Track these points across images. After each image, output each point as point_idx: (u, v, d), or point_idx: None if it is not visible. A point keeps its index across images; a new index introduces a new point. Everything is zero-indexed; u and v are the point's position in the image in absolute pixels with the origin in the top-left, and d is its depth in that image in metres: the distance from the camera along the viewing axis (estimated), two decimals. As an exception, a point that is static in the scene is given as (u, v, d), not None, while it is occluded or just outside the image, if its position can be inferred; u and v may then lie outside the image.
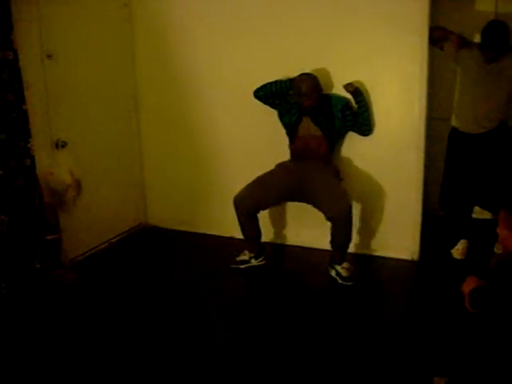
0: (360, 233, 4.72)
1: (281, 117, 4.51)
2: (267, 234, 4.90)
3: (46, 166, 4.22)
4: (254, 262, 4.55)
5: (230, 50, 4.78)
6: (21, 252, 4.00)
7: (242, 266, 4.54)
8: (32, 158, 4.04)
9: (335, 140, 4.47)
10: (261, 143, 4.73)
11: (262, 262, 4.57)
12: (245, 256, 4.56)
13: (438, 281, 4.21)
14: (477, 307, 2.58)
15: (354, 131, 4.45)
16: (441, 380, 2.87)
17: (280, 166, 4.50)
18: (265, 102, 4.52)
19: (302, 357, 3.32)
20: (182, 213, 5.43)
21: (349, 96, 4.39)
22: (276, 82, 4.43)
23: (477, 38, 4.16)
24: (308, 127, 4.38)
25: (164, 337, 3.57)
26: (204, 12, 4.83)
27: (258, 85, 4.50)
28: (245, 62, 4.72)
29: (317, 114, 4.35)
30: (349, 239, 4.27)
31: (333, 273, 4.32)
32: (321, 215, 4.30)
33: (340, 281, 4.25)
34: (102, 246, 5.01)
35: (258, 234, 4.54)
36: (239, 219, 4.43)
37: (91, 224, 4.78)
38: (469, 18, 4.83)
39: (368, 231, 4.69)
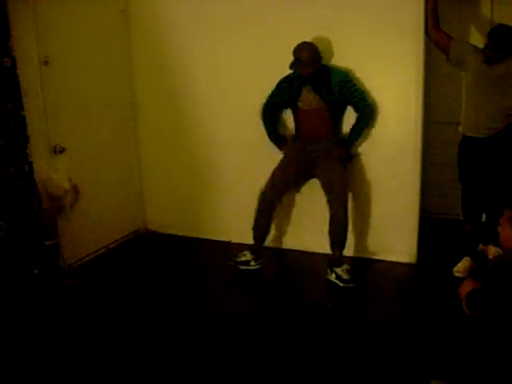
0: (358, 236, 4.72)
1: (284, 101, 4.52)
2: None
3: (44, 171, 4.23)
4: (253, 264, 4.55)
5: (228, 56, 4.79)
6: (19, 257, 4.01)
7: (242, 267, 4.55)
8: (30, 164, 4.06)
9: (337, 111, 4.44)
10: (258, 148, 4.73)
11: (259, 266, 4.58)
12: (245, 257, 4.56)
13: (435, 284, 4.21)
14: (474, 309, 2.59)
15: (354, 108, 4.42)
16: (438, 383, 2.87)
17: (287, 153, 4.55)
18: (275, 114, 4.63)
19: (301, 359, 3.32)
20: (180, 218, 5.44)
21: (348, 68, 4.41)
22: (269, 97, 4.52)
23: (480, 43, 4.17)
24: (309, 98, 4.37)
25: (162, 341, 3.57)
26: (201, 18, 4.85)
27: (255, 91, 4.58)
28: (242, 68, 4.74)
29: (316, 83, 4.33)
30: (343, 241, 4.32)
31: (332, 276, 4.31)
32: (320, 221, 4.42)
33: (341, 284, 4.24)
34: (101, 252, 5.01)
35: (266, 233, 4.57)
36: (259, 207, 4.48)
37: (90, 229, 4.78)
38: (467, 22, 4.85)
39: (366, 234, 4.70)
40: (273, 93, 4.52)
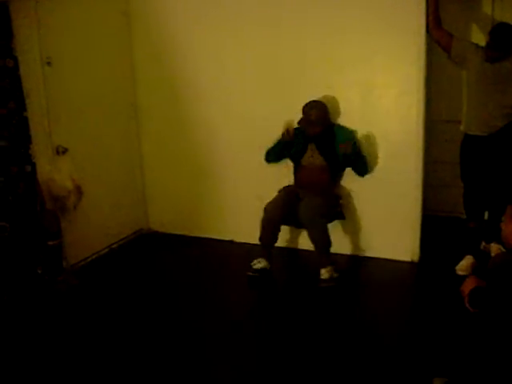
0: (360, 235, 4.73)
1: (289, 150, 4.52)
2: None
3: (46, 172, 4.24)
4: (269, 268, 4.46)
5: (230, 56, 4.80)
6: (22, 258, 4.02)
7: (260, 274, 4.41)
8: (33, 165, 4.07)
9: (337, 170, 4.51)
10: (260, 148, 4.73)
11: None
12: (260, 264, 4.43)
13: (438, 281, 4.22)
14: (477, 307, 2.60)
15: (353, 169, 4.46)
16: (441, 381, 2.87)
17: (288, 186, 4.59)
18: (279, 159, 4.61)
19: (302, 358, 3.33)
20: (182, 218, 5.45)
21: (353, 128, 4.44)
22: (276, 144, 4.49)
23: (481, 42, 4.17)
24: (312, 155, 4.42)
25: (165, 341, 3.58)
26: (202, 19, 4.86)
27: (257, 92, 4.67)
28: (244, 69, 4.74)
29: (321, 142, 4.38)
30: (328, 243, 4.28)
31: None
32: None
33: (324, 284, 4.26)
34: (104, 252, 5.02)
35: (274, 242, 4.49)
36: (264, 226, 4.40)
37: (92, 230, 4.79)
38: (469, 20, 4.85)
39: (368, 233, 4.71)
40: (279, 142, 4.48)
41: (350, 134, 4.39)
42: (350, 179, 4.61)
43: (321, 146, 4.39)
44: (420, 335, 3.50)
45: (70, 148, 4.46)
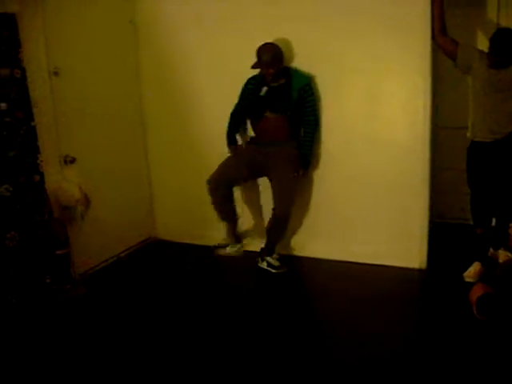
0: (367, 242, 4.72)
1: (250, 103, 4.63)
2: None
3: (54, 181, 4.26)
4: (229, 250, 4.81)
5: (234, 63, 4.80)
6: (31, 267, 4.03)
7: (221, 253, 4.86)
8: (41, 174, 4.09)
9: (295, 120, 4.54)
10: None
11: (240, 253, 4.82)
12: (225, 241, 4.88)
13: (446, 289, 4.21)
14: (485, 314, 2.59)
15: (304, 120, 4.55)
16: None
17: (239, 151, 4.76)
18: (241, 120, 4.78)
19: (312, 368, 3.32)
20: (189, 226, 5.46)
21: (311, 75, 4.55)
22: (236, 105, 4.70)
23: (487, 48, 4.17)
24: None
25: (172, 350, 3.57)
26: (207, 28, 4.90)
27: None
28: (249, 75, 4.74)
29: (279, 88, 4.47)
30: (281, 235, 4.65)
31: (264, 264, 4.69)
32: (330, 227, 4.59)
33: (273, 270, 4.63)
34: (111, 260, 5.03)
35: (233, 215, 4.77)
36: (212, 199, 4.70)
37: (100, 238, 4.80)
38: (474, 27, 4.86)
39: (375, 240, 4.70)
40: (242, 95, 4.65)
41: (304, 80, 4.47)
42: (355, 188, 4.62)
43: (278, 93, 4.47)
44: (428, 343, 3.48)
45: (77, 157, 4.48)
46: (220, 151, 4.95)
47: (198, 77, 5.00)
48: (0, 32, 3.73)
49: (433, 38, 4.17)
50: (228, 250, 4.81)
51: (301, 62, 4.58)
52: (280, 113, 4.47)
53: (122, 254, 5.16)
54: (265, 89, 4.47)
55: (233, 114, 4.74)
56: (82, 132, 4.61)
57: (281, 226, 4.58)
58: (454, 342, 3.41)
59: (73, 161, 4.46)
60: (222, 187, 4.63)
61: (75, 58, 4.52)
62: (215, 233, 5.25)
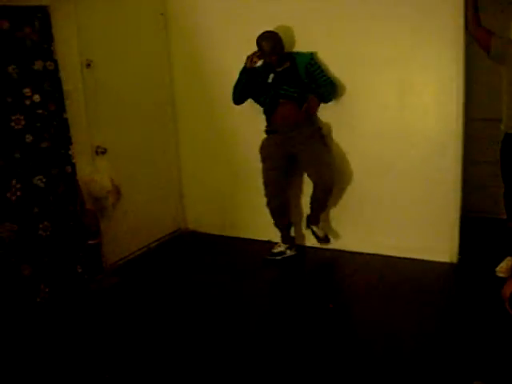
0: (398, 234, 4.68)
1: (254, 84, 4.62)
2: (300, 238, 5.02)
3: (86, 173, 4.31)
4: (288, 252, 4.81)
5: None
6: (63, 257, 4.10)
7: (279, 258, 4.79)
8: (73, 166, 4.14)
9: (305, 98, 4.48)
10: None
11: (294, 253, 4.82)
12: (280, 248, 4.82)
13: (477, 283, 4.16)
14: (517, 310, 2.55)
15: (319, 92, 4.50)
16: (481, 384, 2.84)
17: (267, 150, 4.69)
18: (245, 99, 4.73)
19: (338, 357, 3.32)
20: (219, 217, 5.49)
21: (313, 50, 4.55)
22: (239, 77, 4.63)
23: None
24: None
25: (202, 339, 3.60)
26: (238, 19, 4.89)
27: None
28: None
29: (285, 73, 4.49)
30: (326, 205, 4.70)
31: (309, 232, 4.82)
32: (360, 220, 4.61)
33: (318, 241, 4.77)
34: (142, 251, 5.08)
35: (289, 223, 4.80)
36: (271, 212, 4.75)
37: (131, 229, 4.85)
38: (508, 17, 4.76)
39: (406, 233, 4.65)
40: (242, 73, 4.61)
41: (307, 56, 4.48)
42: (387, 181, 4.59)
43: (286, 76, 4.49)
44: (459, 338, 3.45)
45: (108, 149, 4.53)
46: (251, 143, 4.95)
47: (228, 67, 4.98)
48: (33, 24, 3.78)
49: (466, 28, 4.10)
50: (288, 252, 4.83)
51: (331, 53, 4.57)
52: (289, 96, 4.47)
53: (152, 245, 5.20)
54: (271, 75, 4.51)
55: (235, 87, 4.70)
56: (113, 123, 4.65)
57: (326, 196, 4.60)
58: (485, 338, 3.37)
59: (104, 152, 4.50)
60: (276, 198, 4.69)
61: (107, 50, 4.56)
62: (245, 224, 5.28)
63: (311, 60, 4.46)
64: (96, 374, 3.25)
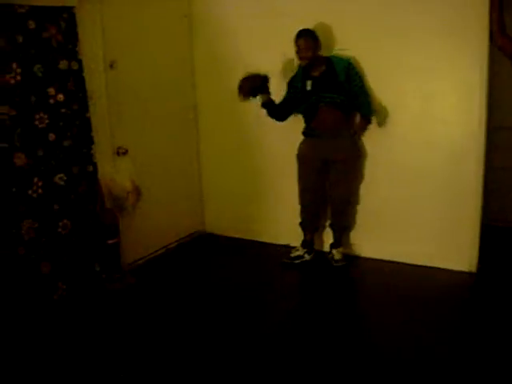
0: (416, 243, 4.64)
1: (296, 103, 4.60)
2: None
3: (107, 172, 4.34)
4: (307, 256, 4.82)
5: (289, 53, 4.78)
6: (82, 255, 4.14)
7: (297, 261, 4.79)
8: (94, 165, 4.19)
9: (348, 104, 4.46)
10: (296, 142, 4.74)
11: (312, 258, 4.82)
12: (299, 252, 4.83)
13: (496, 294, 4.11)
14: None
15: (356, 103, 4.47)
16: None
17: (302, 152, 4.67)
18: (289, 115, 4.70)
19: (348, 362, 3.30)
20: (238, 221, 5.49)
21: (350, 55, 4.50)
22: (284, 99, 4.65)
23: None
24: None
25: (216, 340, 3.61)
26: (261, 20, 4.90)
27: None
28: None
29: (322, 78, 4.44)
30: (345, 221, 4.78)
31: (330, 256, 4.78)
32: (379, 226, 4.65)
33: (333, 263, 4.71)
34: (160, 252, 5.11)
35: (317, 227, 4.88)
36: (302, 212, 4.78)
37: (150, 230, 4.87)
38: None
39: (425, 241, 4.61)
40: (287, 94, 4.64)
41: (346, 61, 4.42)
42: (406, 187, 4.56)
43: (324, 81, 4.43)
44: (476, 348, 3.41)
45: (130, 149, 4.55)
46: (272, 147, 4.97)
47: (252, 70, 4.99)
48: (59, 24, 3.83)
49: (491, 37, 4.06)
50: (306, 256, 4.83)
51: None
52: (332, 102, 4.42)
53: (171, 246, 5.23)
54: (309, 82, 4.45)
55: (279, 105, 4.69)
56: (135, 124, 4.68)
57: (343, 209, 4.69)
58: (502, 350, 3.33)
59: (125, 152, 4.52)
60: (311, 202, 4.73)
61: (131, 52, 4.60)
62: (264, 228, 5.28)
63: (350, 65, 4.40)
64: (109, 373, 3.27)
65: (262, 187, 5.27)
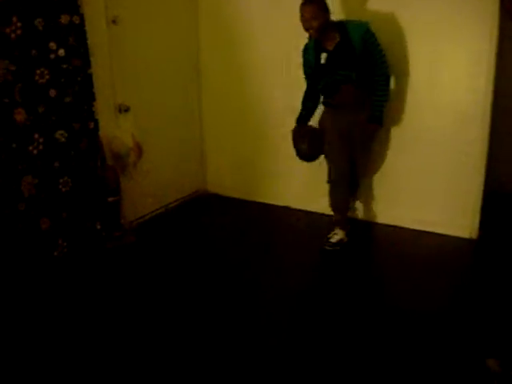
0: (419, 208, 4.64)
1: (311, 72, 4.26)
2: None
3: (108, 129, 4.30)
4: (346, 240, 4.45)
5: (290, 20, 4.67)
6: (82, 213, 4.12)
7: (338, 248, 4.38)
8: (96, 122, 4.14)
9: (365, 78, 4.12)
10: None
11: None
12: (338, 235, 4.41)
13: (496, 260, 4.11)
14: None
15: (371, 72, 4.14)
16: (494, 362, 2.82)
17: (325, 122, 4.36)
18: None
19: (351, 331, 3.32)
20: (239, 181, 5.48)
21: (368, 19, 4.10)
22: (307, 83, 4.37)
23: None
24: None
25: (217, 302, 3.63)
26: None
27: None
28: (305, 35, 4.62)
29: (338, 51, 4.05)
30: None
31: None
32: (383, 191, 4.60)
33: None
34: (160, 211, 5.11)
35: (348, 206, 4.52)
36: (332, 191, 4.38)
37: (151, 188, 4.86)
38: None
39: (426, 206, 4.61)
40: (304, 68, 4.29)
41: (363, 26, 3.98)
42: (411, 152, 4.52)
43: (340, 54, 4.03)
44: (475, 314, 3.42)
45: (132, 106, 4.51)
46: (275, 107, 4.91)
47: (255, 34, 4.93)
48: (60, -23, 3.74)
49: (501, 1, 3.97)
50: (346, 240, 4.44)
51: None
52: (351, 79, 4.07)
53: (171, 205, 5.22)
54: (324, 55, 4.07)
55: (306, 93, 4.41)
56: (138, 81, 4.62)
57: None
58: (501, 316, 3.34)
59: (127, 109, 4.48)
60: (341, 184, 4.34)
61: (134, 8, 4.51)
62: (265, 189, 5.27)
63: (368, 32, 3.97)
64: (104, 330, 3.30)
65: (264, 148, 5.23)
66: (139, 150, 4.46)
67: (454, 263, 4.15)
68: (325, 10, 3.96)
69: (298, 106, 4.48)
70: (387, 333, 3.28)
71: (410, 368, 2.93)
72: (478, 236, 4.46)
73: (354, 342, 3.18)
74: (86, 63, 4.00)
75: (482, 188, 4.39)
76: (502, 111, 4.73)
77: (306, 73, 4.32)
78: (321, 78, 4.19)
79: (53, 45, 3.75)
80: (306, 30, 4.00)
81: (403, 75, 4.45)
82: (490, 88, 4.18)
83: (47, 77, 3.74)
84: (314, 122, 4.47)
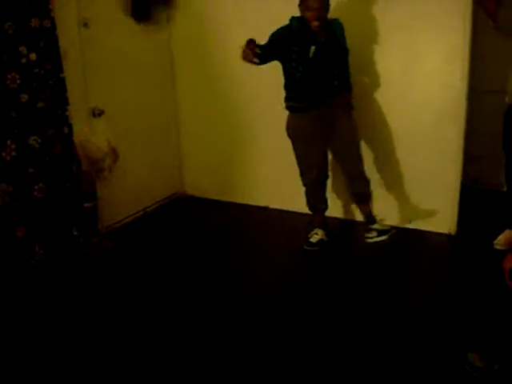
0: (396, 206, 4.66)
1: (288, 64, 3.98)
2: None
3: (83, 134, 4.24)
4: (325, 239, 4.43)
5: (267, 18, 4.66)
6: (58, 219, 4.06)
7: (317, 248, 4.35)
8: (70, 126, 4.08)
9: (344, 67, 4.09)
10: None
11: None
12: (318, 235, 4.38)
13: (474, 255, 4.15)
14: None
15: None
16: (475, 356, 2.83)
17: (300, 125, 4.16)
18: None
19: (340, 327, 3.32)
20: (217, 182, 5.45)
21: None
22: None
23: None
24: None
25: (197, 305, 3.60)
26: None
27: None
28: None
29: (328, 49, 3.95)
30: (369, 192, 4.37)
31: (374, 235, 4.29)
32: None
33: (385, 236, 4.23)
34: (138, 215, 5.05)
35: (326, 206, 4.44)
36: (309, 193, 4.33)
37: (127, 192, 4.81)
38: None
39: (404, 203, 4.63)
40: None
41: (339, 23, 3.99)
42: (386, 149, 4.53)
43: (326, 48, 3.93)
44: (455, 309, 3.44)
45: (106, 110, 4.45)
46: (252, 107, 4.88)
47: (229, 24, 4.88)
48: (30, -19, 3.68)
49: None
50: (325, 240, 4.40)
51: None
52: (330, 75, 4.01)
53: (149, 209, 5.17)
54: (313, 48, 3.85)
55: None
56: (111, 85, 4.57)
57: (365, 182, 4.31)
58: (481, 310, 3.36)
59: (101, 113, 4.43)
60: (317, 184, 4.29)
61: (105, 10, 4.44)
62: (243, 189, 5.25)
63: (341, 24, 3.99)
64: (85, 336, 3.25)
65: (242, 148, 5.21)
66: (114, 153, 4.42)
67: (434, 259, 4.17)
68: (329, 4, 3.89)
69: (276, 107, 4.41)
70: (367, 329, 3.28)
71: (391, 363, 2.94)
72: (455, 231, 4.49)
73: (335, 340, 3.18)
74: (58, 67, 3.94)
75: (459, 183, 4.43)
76: (475, 109, 4.78)
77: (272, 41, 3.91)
78: (306, 72, 3.94)
79: (23, 49, 3.68)
80: (315, 20, 3.78)
81: (377, 70, 4.47)
82: (465, 85, 4.20)
83: (19, 81, 3.68)
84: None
